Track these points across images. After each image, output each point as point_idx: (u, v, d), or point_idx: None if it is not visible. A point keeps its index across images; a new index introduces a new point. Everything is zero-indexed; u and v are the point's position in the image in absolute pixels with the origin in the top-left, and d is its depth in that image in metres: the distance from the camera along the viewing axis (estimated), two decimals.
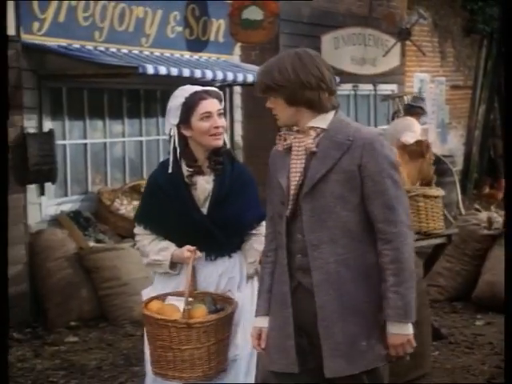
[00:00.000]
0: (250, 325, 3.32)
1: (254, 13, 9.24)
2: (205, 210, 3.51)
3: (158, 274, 3.63)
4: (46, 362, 5.79)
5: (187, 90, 3.54)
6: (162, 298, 3.54)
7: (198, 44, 9.14)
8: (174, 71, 7.21)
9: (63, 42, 7.36)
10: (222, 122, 3.53)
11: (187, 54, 8.94)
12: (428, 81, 14.98)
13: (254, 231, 3.61)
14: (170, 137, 3.53)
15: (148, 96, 8.66)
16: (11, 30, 6.78)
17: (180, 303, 3.43)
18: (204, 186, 3.50)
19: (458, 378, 5.21)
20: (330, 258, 2.97)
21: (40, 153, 6.83)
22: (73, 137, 7.81)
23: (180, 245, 3.52)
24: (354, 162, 2.96)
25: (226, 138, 3.58)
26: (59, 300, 6.74)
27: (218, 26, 9.44)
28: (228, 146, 3.60)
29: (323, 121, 3.03)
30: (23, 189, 6.97)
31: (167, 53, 8.64)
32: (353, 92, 12.24)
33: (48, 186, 7.28)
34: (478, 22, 15.22)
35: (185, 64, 8.15)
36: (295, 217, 3.03)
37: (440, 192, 5.68)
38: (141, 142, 8.63)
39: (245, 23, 9.27)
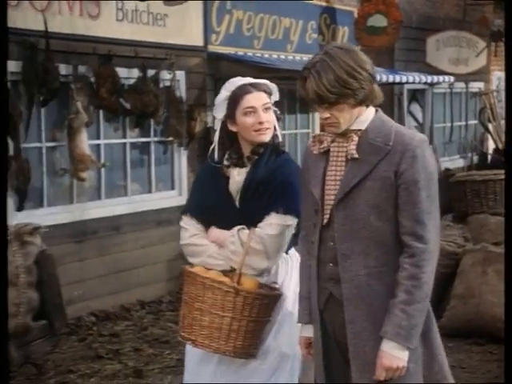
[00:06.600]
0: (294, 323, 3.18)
1: (378, 20, 10.53)
2: (237, 203, 3.31)
3: None
4: None
5: (234, 83, 3.33)
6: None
7: None
8: None
9: (232, 50, 8.69)
10: (268, 116, 3.29)
11: None
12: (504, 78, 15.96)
13: (271, 214, 3.24)
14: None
15: (290, 94, 9.97)
16: (199, 42, 8.18)
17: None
18: (235, 178, 3.30)
19: None
20: (361, 271, 2.74)
21: None
22: None
23: None
24: (391, 168, 2.71)
25: (279, 131, 3.37)
26: None
27: (343, 33, 10.73)
28: (280, 139, 3.37)
29: (363, 122, 2.79)
30: None
31: (305, 57, 9.93)
32: (449, 90, 13.37)
33: None
34: None
35: None
36: (329, 224, 2.80)
37: None
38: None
39: (370, 29, 10.57)
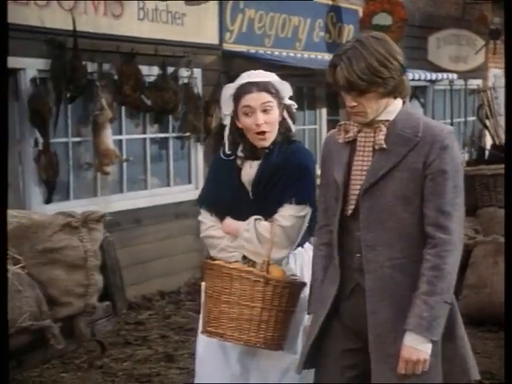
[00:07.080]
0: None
1: (383, 18, 10.81)
2: (251, 195, 3.31)
3: None
4: None
5: (240, 79, 3.32)
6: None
7: (334, 46, 10.66)
8: None
9: (244, 48, 8.93)
10: (267, 117, 3.22)
11: (326, 56, 10.49)
12: (501, 76, 16.28)
13: (284, 206, 3.25)
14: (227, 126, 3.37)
15: (298, 91, 10.23)
16: (215, 40, 8.42)
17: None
18: (247, 169, 3.29)
19: None
20: (385, 262, 2.73)
21: None
22: None
23: None
24: (420, 159, 2.71)
25: (294, 126, 3.35)
26: None
27: (349, 30, 11.00)
28: (293, 130, 3.35)
29: (391, 113, 2.78)
30: None
31: (313, 55, 10.20)
32: (449, 87, 13.64)
33: None
34: None
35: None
36: (355, 214, 2.78)
37: None
38: None
39: (375, 28, 10.79)
